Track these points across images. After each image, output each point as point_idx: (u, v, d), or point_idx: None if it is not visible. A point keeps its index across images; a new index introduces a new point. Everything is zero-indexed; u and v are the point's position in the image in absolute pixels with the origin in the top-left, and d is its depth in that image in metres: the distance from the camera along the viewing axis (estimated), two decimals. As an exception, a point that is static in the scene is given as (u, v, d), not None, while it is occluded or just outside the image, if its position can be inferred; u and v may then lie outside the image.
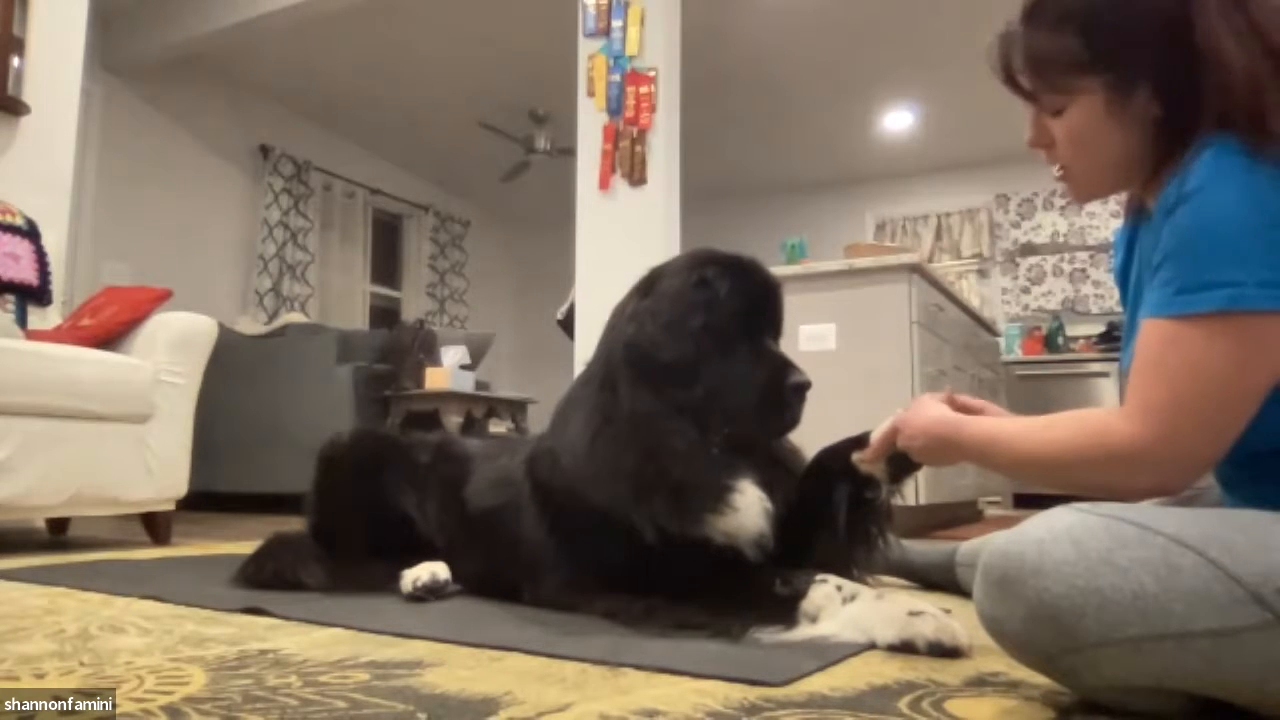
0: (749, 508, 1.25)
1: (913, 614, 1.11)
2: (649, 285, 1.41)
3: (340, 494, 1.77)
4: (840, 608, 1.16)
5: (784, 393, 1.31)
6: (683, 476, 1.25)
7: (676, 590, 1.25)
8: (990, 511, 4.74)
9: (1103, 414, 0.91)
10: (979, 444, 1.04)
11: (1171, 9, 0.89)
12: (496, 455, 1.72)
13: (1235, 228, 0.82)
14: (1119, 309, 7.32)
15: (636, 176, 3.52)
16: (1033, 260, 6.77)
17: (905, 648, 1.09)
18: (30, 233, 2.95)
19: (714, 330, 1.32)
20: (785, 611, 1.17)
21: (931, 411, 1.14)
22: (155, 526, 2.71)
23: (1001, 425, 1.03)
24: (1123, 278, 1.12)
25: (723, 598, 1.22)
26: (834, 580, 1.20)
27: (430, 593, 1.55)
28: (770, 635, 1.15)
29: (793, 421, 1.34)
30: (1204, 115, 0.87)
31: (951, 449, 1.09)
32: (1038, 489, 1.52)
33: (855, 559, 1.34)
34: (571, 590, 1.38)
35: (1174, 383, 0.84)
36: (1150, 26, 0.90)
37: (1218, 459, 0.87)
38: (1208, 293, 0.82)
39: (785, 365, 1.32)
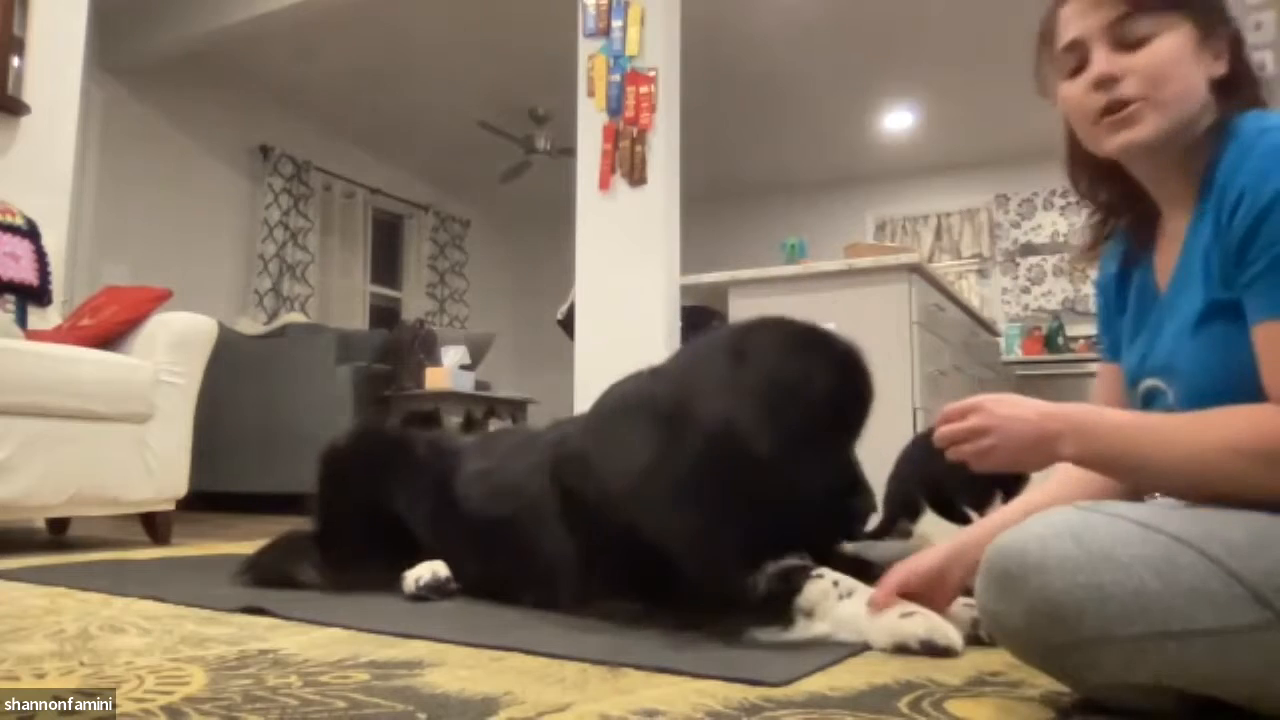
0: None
1: (904, 615, 1.11)
2: (741, 349, 1.28)
3: (341, 495, 1.77)
4: (835, 604, 1.16)
5: (845, 513, 1.26)
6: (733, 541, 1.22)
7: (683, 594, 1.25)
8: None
9: (1263, 410, 0.82)
10: (1130, 432, 0.89)
11: None
12: (500, 455, 1.70)
13: None
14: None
15: (636, 176, 3.52)
16: (1033, 260, 6.77)
17: (899, 650, 1.09)
18: (30, 233, 2.95)
19: (804, 429, 1.22)
20: (780, 609, 1.17)
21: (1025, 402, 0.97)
22: (155, 526, 2.70)
23: (1139, 415, 0.94)
24: (1119, 283, 1.11)
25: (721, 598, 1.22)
26: (830, 575, 1.19)
27: (433, 591, 1.55)
28: (768, 636, 1.15)
29: (841, 540, 1.31)
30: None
31: (1080, 436, 0.91)
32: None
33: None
34: (582, 596, 1.36)
35: None
36: None
37: None
38: None
39: (855, 484, 1.26)
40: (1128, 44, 0.95)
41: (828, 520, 1.27)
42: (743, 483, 1.21)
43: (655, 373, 1.43)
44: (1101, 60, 0.96)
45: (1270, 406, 0.82)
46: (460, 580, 1.61)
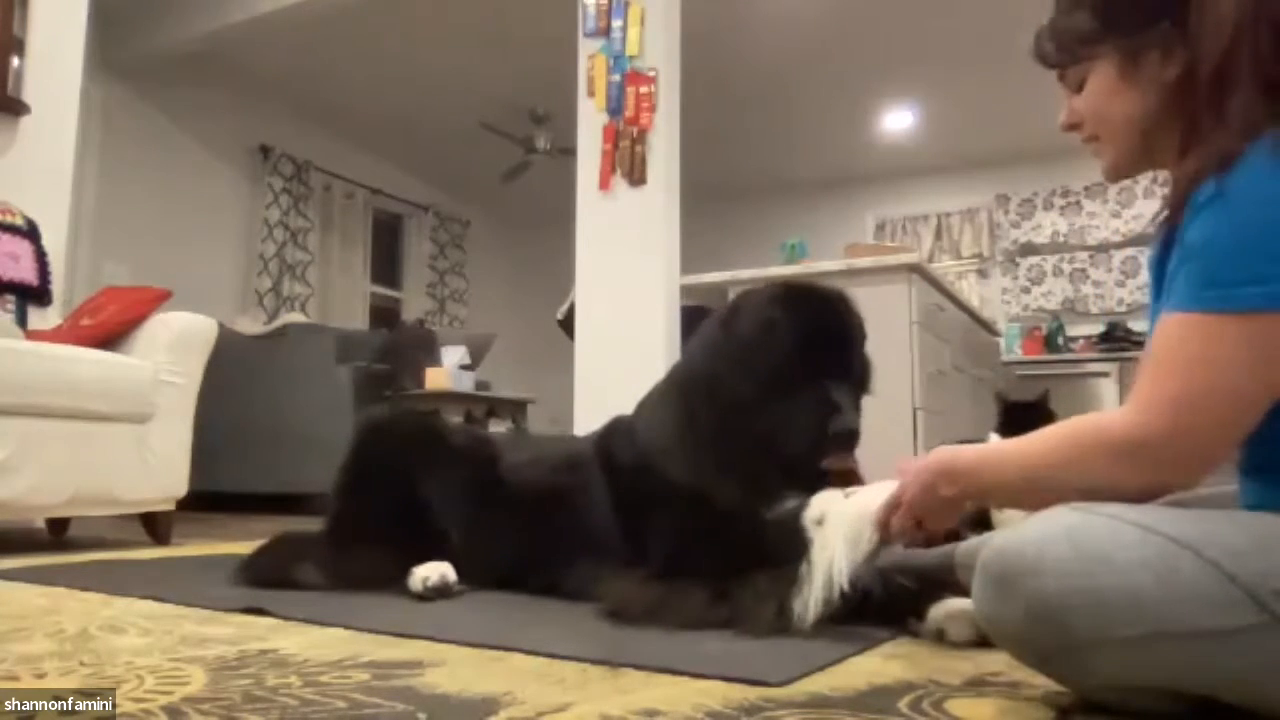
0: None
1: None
2: (730, 316, 1.46)
3: (373, 469, 1.78)
4: (842, 502, 1.23)
5: (824, 439, 1.31)
6: (753, 472, 1.36)
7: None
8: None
9: (1098, 414, 0.91)
10: (974, 463, 1.02)
11: None
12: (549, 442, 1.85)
13: (1267, 225, 0.81)
14: (1119, 309, 7.29)
15: (636, 176, 3.51)
16: (1033, 260, 6.77)
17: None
18: (30, 233, 2.95)
19: (776, 371, 1.35)
20: (794, 534, 1.23)
21: (916, 460, 1.12)
22: (155, 526, 2.70)
23: (994, 444, 1.05)
24: (1158, 269, 1.12)
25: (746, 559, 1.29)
26: (835, 492, 1.26)
27: (439, 594, 1.55)
28: (800, 573, 1.20)
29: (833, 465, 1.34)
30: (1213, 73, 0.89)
31: (945, 476, 1.04)
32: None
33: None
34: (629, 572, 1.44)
35: (1189, 375, 0.82)
36: None
37: (1223, 458, 0.86)
38: (1240, 289, 0.81)
39: (832, 411, 1.32)
40: (1076, 88, 1.04)
41: (813, 455, 1.34)
42: (737, 428, 1.37)
43: (684, 349, 1.66)
44: (1064, 108, 1.06)
45: (1098, 413, 0.90)
46: (496, 566, 1.65)
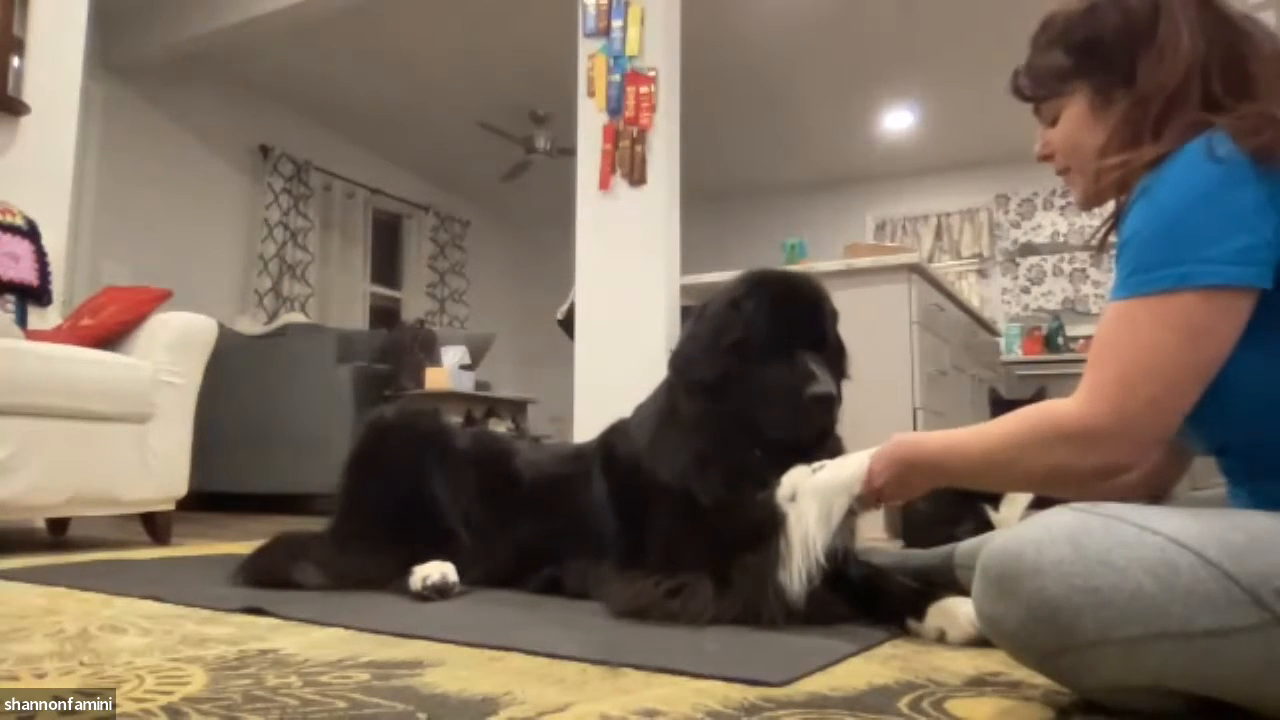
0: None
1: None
2: (703, 306, 1.53)
3: (381, 464, 1.78)
4: (810, 477, 1.26)
5: (802, 404, 1.34)
6: (732, 461, 1.39)
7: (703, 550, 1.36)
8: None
9: (1052, 400, 0.95)
10: (939, 453, 1.08)
11: (1139, 9, 0.97)
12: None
13: (1184, 212, 0.86)
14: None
15: (636, 176, 3.51)
16: (1033, 260, 6.77)
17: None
18: (30, 233, 2.95)
19: (744, 347, 1.40)
20: (769, 515, 1.27)
21: (887, 447, 1.18)
22: (155, 526, 2.70)
23: (957, 431, 1.08)
24: None
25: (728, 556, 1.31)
26: (803, 468, 1.29)
27: (438, 593, 1.55)
28: (768, 559, 1.24)
29: (815, 431, 1.38)
30: (1155, 102, 0.94)
31: (912, 468, 1.12)
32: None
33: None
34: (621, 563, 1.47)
35: (1123, 360, 0.87)
36: (1115, 32, 0.99)
37: (1165, 435, 0.91)
38: (1158, 272, 0.86)
39: (807, 377, 1.35)
40: (1050, 122, 1.09)
41: (792, 420, 1.36)
42: (715, 412, 1.41)
43: None
44: (1039, 141, 1.11)
45: (1049, 400, 0.94)
46: (502, 564, 1.67)
